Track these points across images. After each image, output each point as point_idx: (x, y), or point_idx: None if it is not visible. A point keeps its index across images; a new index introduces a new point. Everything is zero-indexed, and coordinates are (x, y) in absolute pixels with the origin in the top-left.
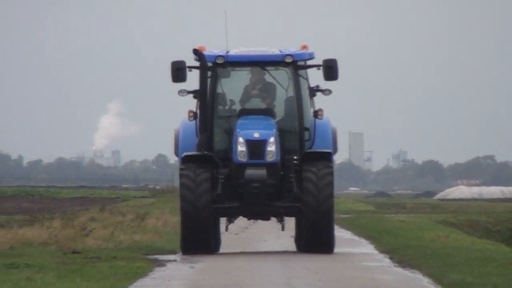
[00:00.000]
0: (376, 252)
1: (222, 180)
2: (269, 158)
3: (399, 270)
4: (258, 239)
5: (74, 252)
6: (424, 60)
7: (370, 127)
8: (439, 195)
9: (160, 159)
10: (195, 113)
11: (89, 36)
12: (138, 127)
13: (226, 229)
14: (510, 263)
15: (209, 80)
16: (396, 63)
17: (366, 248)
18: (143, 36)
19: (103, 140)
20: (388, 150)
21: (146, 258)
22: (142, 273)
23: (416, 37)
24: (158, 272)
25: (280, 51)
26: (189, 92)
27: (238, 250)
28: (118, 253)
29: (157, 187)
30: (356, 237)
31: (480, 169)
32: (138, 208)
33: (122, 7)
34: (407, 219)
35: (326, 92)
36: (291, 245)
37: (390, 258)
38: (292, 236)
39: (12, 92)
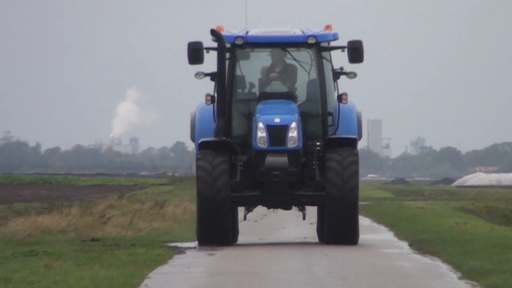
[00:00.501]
0: (395, 239)
1: (241, 168)
2: (291, 144)
3: (419, 257)
4: (277, 226)
5: (93, 239)
6: (442, 46)
7: (389, 114)
8: (457, 182)
9: (179, 146)
10: (212, 97)
11: (107, 21)
12: (157, 114)
13: (244, 218)
14: None
15: (227, 62)
16: (414, 50)
17: (385, 235)
18: (162, 19)
19: (121, 127)
20: (406, 137)
21: (165, 246)
22: (161, 261)
23: (434, 24)
24: (177, 259)
25: (303, 31)
26: (206, 75)
27: (257, 238)
28: (137, 240)
29: (176, 174)
30: (375, 224)
31: (498, 156)
32: (156, 195)
33: None
34: (426, 206)
35: (351, 75)
36: (311, 232)
37: (410, 245)
38: (311, 223)
39: (29, 80)
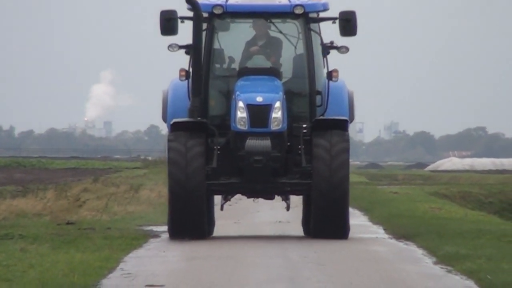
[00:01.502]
0: (369, 223)
1: (218, 152)
2: (274, 126)
3: (393, 241)
4: (252, 210)
5: (68, 223)
6: (417, 32)
7: (362, 98)
8: (431, 167)
9: (152, 129)
10: (187, 72)
11: (81, 1)
12: (131, 97)
13: (221, 208)
14: (503, 235)
15: (204, 33)
16: (389, 34)
17: (360, 219)
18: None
19: (95, 110)
20: (380, 122)
21: (141, 229)
22: (136, 244)
23: (410, 9)
24: (153, 243)
25: (289, 0)
26: (180, 47)
27: (232, 222)
28: (112, 224)
29: (149, 158)
30: (349, 209)
31: (472, 141)
32: (131, 179)
33: None
34: (400, 190)
35: (343, 49)
36: (285, 216)
37: (384, 230)
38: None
39: (2, 62)
